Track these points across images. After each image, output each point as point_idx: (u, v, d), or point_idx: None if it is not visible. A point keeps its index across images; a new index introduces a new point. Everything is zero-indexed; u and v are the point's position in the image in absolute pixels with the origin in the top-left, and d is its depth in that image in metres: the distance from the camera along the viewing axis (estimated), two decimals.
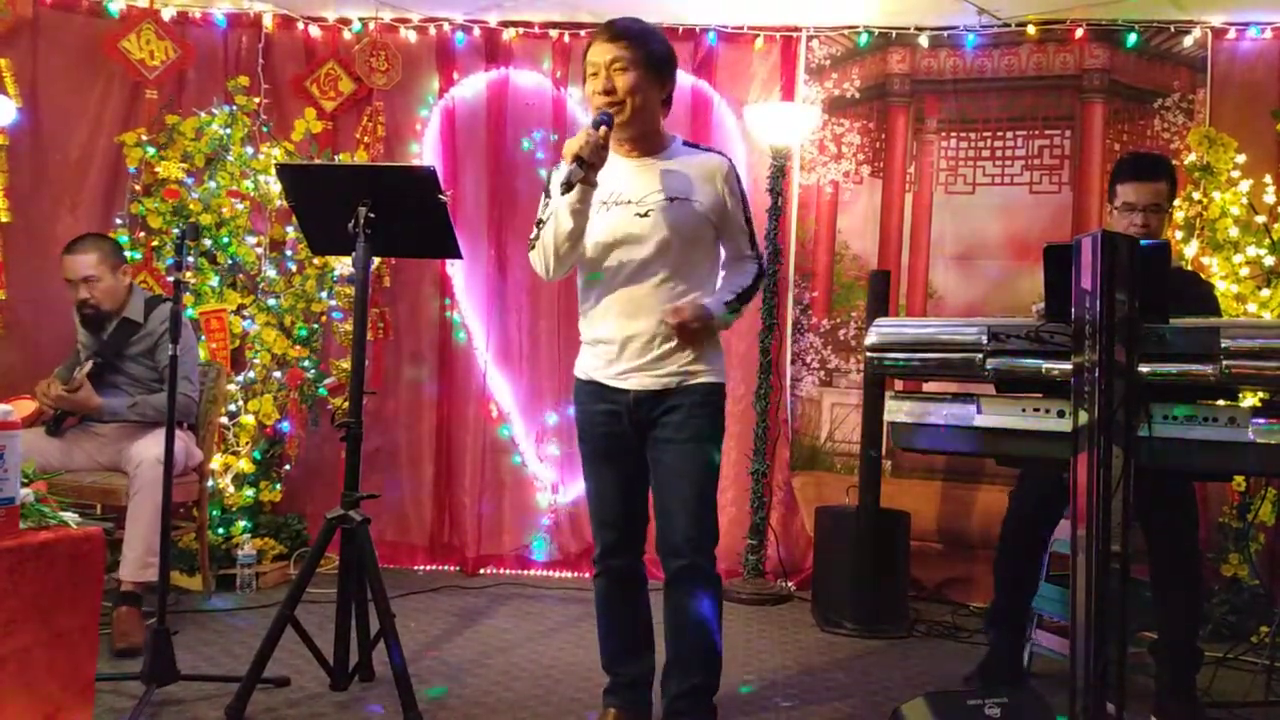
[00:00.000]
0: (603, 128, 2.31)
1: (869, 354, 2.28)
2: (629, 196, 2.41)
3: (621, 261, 2.41)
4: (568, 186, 2.27)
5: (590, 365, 2.50)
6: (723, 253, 2.56)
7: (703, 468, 2.43)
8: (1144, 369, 1.94)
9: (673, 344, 2.40)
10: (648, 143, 2.46)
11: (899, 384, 3.68)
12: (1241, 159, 3.80)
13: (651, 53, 2.38)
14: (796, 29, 4.46)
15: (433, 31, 4.58)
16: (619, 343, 2.43)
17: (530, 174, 4.55)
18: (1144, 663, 3.02)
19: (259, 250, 4.30)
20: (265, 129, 4.43)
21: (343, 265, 4.32)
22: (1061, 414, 2.04)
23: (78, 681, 2.14)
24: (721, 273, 2.57)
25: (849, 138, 4.46)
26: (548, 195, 2.46)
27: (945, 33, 4.32)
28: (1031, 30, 4.22)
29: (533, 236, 2.47)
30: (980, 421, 2.14)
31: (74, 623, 2.13)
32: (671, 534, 2.43)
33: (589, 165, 2.27)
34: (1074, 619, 1.95)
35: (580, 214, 2.34)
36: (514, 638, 3.56)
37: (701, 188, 2.44)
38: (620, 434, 2.46)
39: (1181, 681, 2.88)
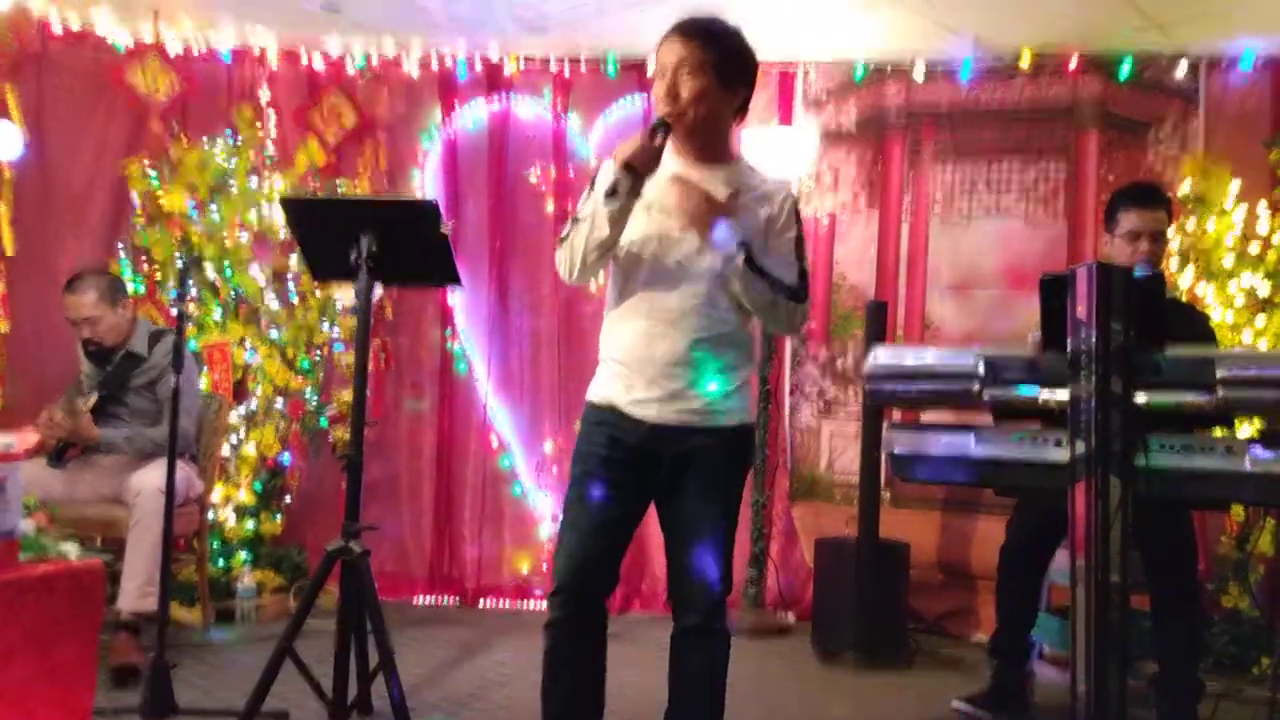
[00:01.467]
0: (659, 135, 2.10)
1: (867, 384, 2.29)
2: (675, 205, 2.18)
3: (654, 274, 2.18)
4: (612, 193, 2.07)
5: (609, 389, 2.24)
6: None
7: (725, 521, 2.24)
8: (1141, 398, 1.95)
9: (699, 374, 2.17)
10: (711, 153, 2.24)
11: (897, 414, 3.69)
12: (1235, 188, 3.83)
13: (725, 56, 2.16)
14: (793, 62, 4.50)
15: (435, 64, 4.63)
16: (638, 365, 2.19)
17: (531, 204, 4.59)
18: (1145, 694, 3.01)
19: (262, 281, 4.33)
20: (269, 160, 4.47)
21: (345, 296, 4.34)
22: (1059, 443, 2.05)
23: (75, 714, 2.13)
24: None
25: (845, 168, 4.50)
26: (592, 187, 2.19)
27: (940, 65, 4.37)
28: (1025, 62, 4.27)
29: (564, 232, 2.22)
30: (978, 451, 2.14)
31: (72, 655, 2.13)
32: (687, 591, 2.23)
33: (637, 175, 2.07)
34: (1074, 650, 1.94)
35: (619, 225, 2.12)
36: (513, 671, 3.54)
37: (756, 209, 2.21)
38: (624, 466, 2.21)
39: (1183, 713, 2.86)
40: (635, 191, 2.10)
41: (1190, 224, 3.89)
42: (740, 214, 2.17)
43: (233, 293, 4.24)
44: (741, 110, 2.27)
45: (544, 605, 4.29)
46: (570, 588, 2.22)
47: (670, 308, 2.16)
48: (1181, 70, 4.13)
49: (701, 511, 2.22)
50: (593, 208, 2.13)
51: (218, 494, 4.09)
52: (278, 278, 4.37)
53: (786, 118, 4.51)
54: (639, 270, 2.20)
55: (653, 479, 2.24)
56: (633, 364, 2.20)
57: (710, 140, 2.23)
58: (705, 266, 2.16)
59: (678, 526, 2.25)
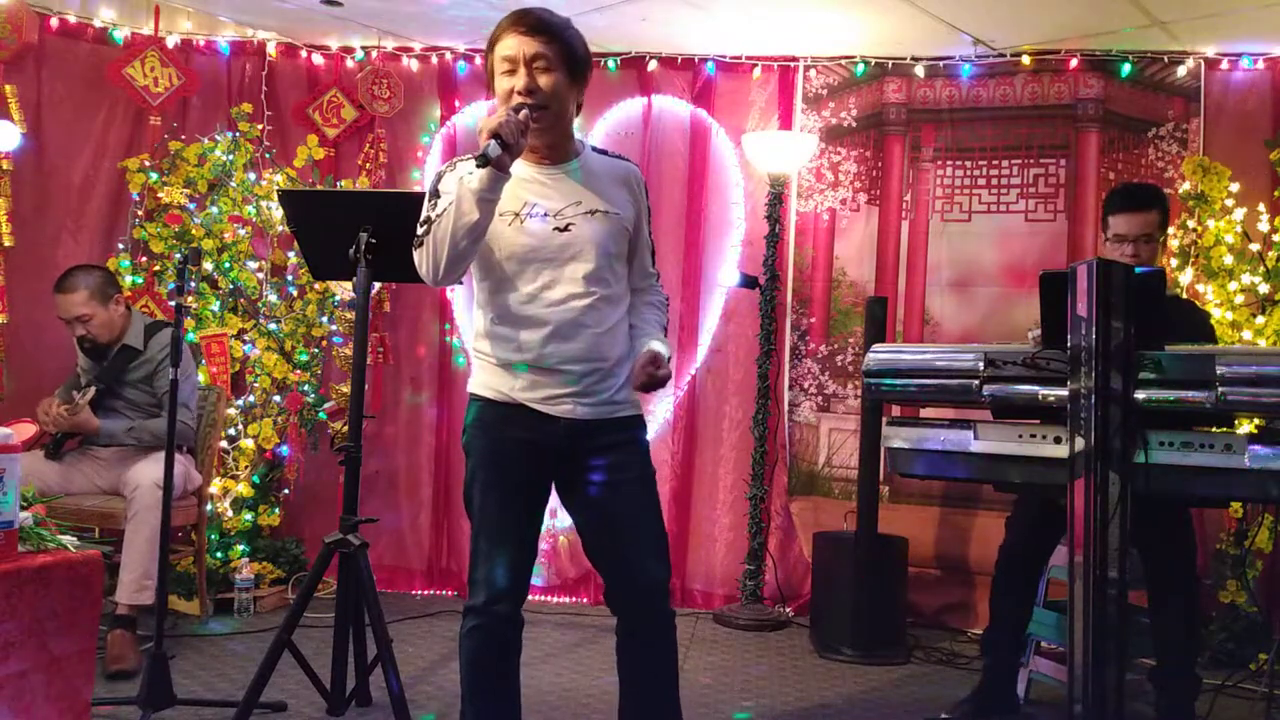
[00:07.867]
0: (524, 111, 2.06)
1: (867, 379, 2.30)
2: (545, 209, 2.16)
3: (545, 281, 2.15)
4: (484, 161, 1.98)
5: (507, 385, 2.18)
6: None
7: (658, 507, 2.28)
8: (1140, 395, 1.96)
9: (603, 372, 2.19)
10: (559, 151, 2.21)
11: (896, 409, 3.69)
12: (1235, 187, 3.83)
13: (574, 52, 2.16)
14: (794, 59, 4.50)
15: (434, 60, 4.62)
16: (548, 367, 2.16)
17: None
18: (1142, 690, 3.01)
19: (260, 275, 4.32)
20: (268, 155, 4.46)
21: (343, 290, 4.34)
22: (1058, 440, 2.05)
23: (75, 706, 2.13)
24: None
25: (846, 166, 4.50)
26: (435, 196, 2.15)
27: (941, 63, 4.36)
28: (1026, 60, 4.27)
29: (420, 233, 2.13)
30: (977, 447, 2.15)
31: (71, 647, 2.13)
32: (641, 580, 2.22)
33: (507, 146, 2.00)
34: (1072, 645, 1.95)
35: (489, 205, 2.05)
36: None
37: (618, 196, 2.23)
38: (540, 465, 2.21)
39: (1180, 709, 2.87)
40: (502, 167, 2.02)
41: (1190, 223, 3.89)
42: (616, 203, 2.21)
43: (230, 285, 4.24)
44: (579, 107, 2.24)
45: (540, 599, 4.36)
46: (496, 602, 2.20)
47: (567, 316, 2.17)
48: (1182, 70, 4.13)
49: (643, 502, 2.26)
50: (457, 194, 2.05)
51: (216, 486, 4.09)
52: (276, 271, 4.37)
53: (787, 114, 4.51)
54: (521, 283, 2.17)
55: (568, 473, 2.29)
56: (540, 367, 2.19)
57: (560, 138, 2.20)
58: (589, 271, 2.17)
59: (622, 519, 2.26)
